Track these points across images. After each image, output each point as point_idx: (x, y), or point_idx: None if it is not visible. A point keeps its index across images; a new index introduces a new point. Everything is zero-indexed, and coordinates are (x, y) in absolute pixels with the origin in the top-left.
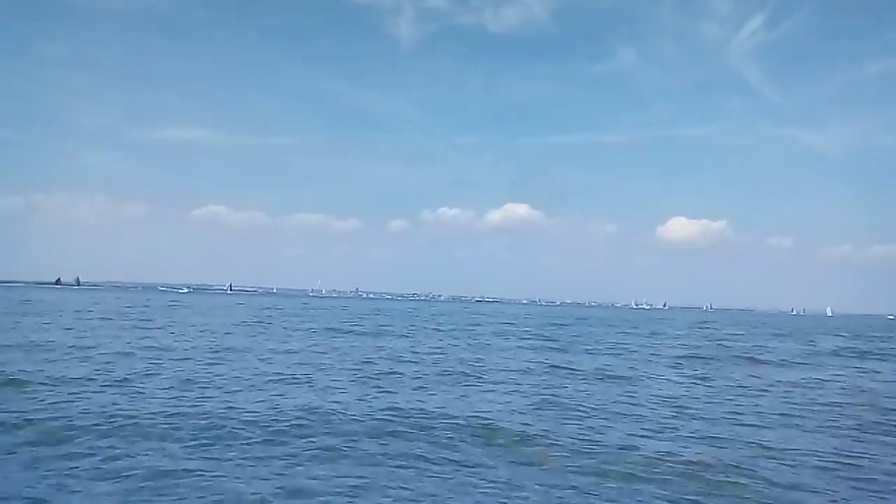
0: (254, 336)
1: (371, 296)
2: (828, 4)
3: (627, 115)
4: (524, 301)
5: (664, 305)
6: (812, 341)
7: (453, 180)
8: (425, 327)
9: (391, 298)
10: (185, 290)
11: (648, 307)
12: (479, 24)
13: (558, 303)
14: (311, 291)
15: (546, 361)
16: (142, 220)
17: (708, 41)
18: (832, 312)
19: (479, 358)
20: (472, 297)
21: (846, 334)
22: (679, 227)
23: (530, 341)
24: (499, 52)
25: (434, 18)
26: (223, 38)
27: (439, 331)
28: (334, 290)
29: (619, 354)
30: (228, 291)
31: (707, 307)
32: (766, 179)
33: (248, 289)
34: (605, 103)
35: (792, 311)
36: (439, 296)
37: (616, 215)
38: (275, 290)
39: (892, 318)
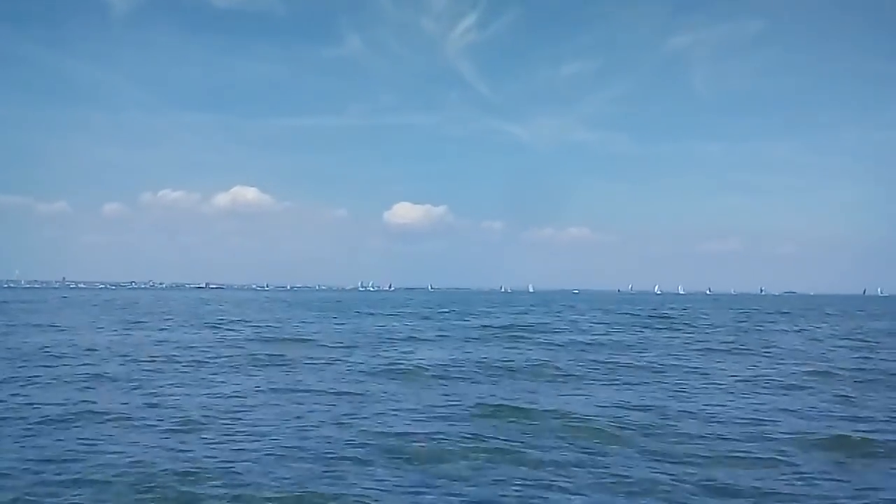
0: None
1: (81, 285)
2: (532, 9)
3: (356, 102)
4: (254, 286)
5: (389, 287)
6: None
7: (176, 161)
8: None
9: (104, 287)
10: None
11: (375, 289)
12: None
13: (289, 287)
14: (7, 283)
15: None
16: None
17: (428, 35)
18: (533, 289)
19: None
20: (197, 284)
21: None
22: (404, 212)
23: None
24: (223, 28)
25: None
26: None
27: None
28: (36, 281)
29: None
30: None
31: (429, 287)
32: (481, 168)
33: None
34: (334, 88)
35: (501, 288)
36: (161, 284)
37: (346, 200)
38: None
39: (576, 291)
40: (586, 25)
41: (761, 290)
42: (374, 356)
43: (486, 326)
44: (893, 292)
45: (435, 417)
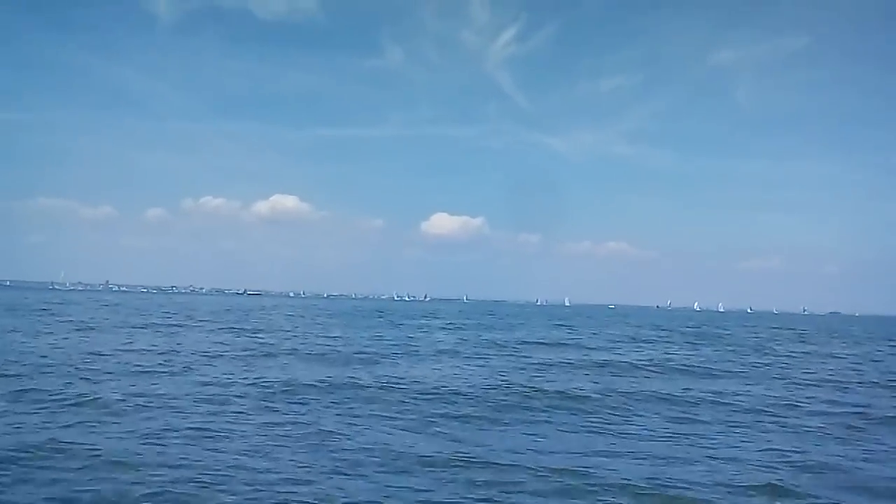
0: None
1: (123, 289)
2: (573, 22)
3: (395, 113)
4: (290, 294)
5: (425, 297)
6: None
7: (218, 169)
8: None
9: (146, 291)
10: None
11: (410, 299)
12: (245, 8)
13: (325, 295)
14: (53, 284)
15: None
16: None
17: (468, 47)
18: (569, 302)
19: None
20: (236, 290)
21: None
22: (441, 223)
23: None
24: (266, 38)
25: None
26: None
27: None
28: (80, 283)
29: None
30: None
31: (464, 298)
32: (519, 180)
33: None
34: (374, 99)
35: (536, 301)
36: (201, 288)
37: (383, 210)
38: (8, 283)
39: (612, 307)
40: (628, 39)
41: (804, 310)
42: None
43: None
44: None
45: None
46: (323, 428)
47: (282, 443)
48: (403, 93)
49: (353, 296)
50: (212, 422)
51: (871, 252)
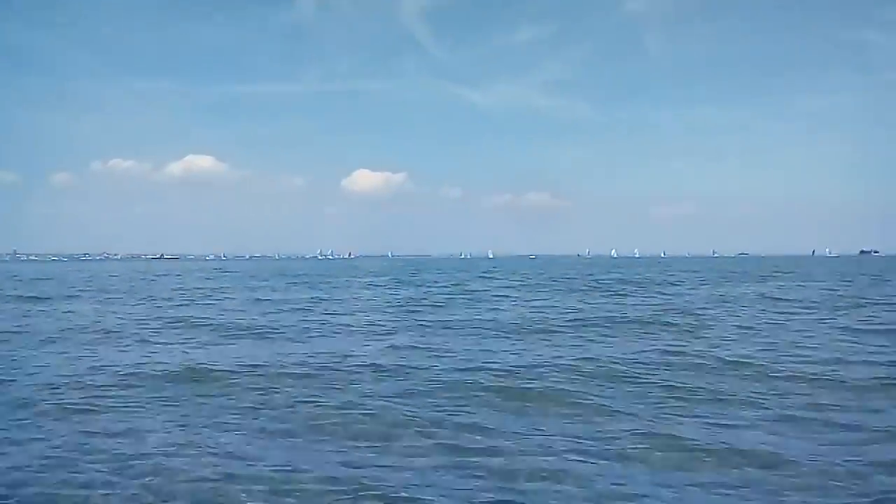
0: None
1: (33, 258)
2: None
3: (311, 68)
4: (210, 256)
5: (349, 255)
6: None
7: (126, 130)
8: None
9: (56, 259)
10: None
11: (335, 257)
12: None
13: (247, 256)
14: None
15: None
16: None
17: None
18: (493, 255)
19: None
20: (152, 255)
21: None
22: (363, 179)
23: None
24: None
25: None
26: None
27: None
28: None
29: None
30: None
31: (389, 255)
32: (439, 134)
33: None
34: (289, 54)
35: (461, 255)
36: (115, 255)
37: (303, 168)
38: None
39: (533, 257)
40: None
41: (714, 253)
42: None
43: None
44: (843, 252)
45: None
46: None
47: None
48: (318, 47)
49: (277, 256)
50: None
51: (778, 195)
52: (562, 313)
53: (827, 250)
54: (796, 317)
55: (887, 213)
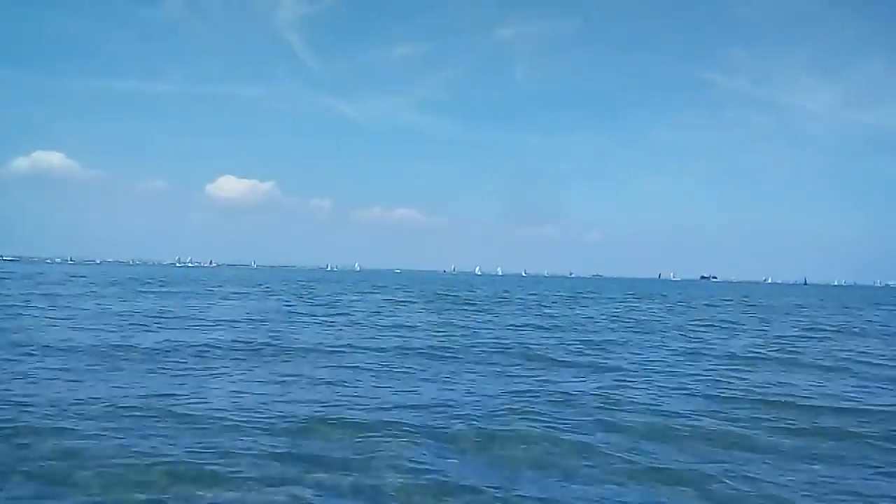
0: None
1: None
2: None
3: (176, 67)
4: (57, 260)
5: (210, 263)
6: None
7: None
8: None
9: None
10: None
11: (194, 265)
12: None
13: (98, 261)
14: None
15: None
16: None
17: (255, 3)
18: (360, 267)
19: None
20: None
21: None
22: (228, 186)
23: None
24: None
25: None
26: None
27: None
28: None
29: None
30: None
31: (252, 264)
32: (310, 145)
33: None
34: (151, 51)
35: (327, 267)
36: None
37: (164, 171)
38: None
39: (397, 271)
40: (418, 8)
41: (570, 273)
42: None
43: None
44: (685, 277)
45: None
46: None
47: None
48: (184, 47)
49: (131, 262)
50: None
51: (629, 221)
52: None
53: (671, 274)
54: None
55: (726, 243)
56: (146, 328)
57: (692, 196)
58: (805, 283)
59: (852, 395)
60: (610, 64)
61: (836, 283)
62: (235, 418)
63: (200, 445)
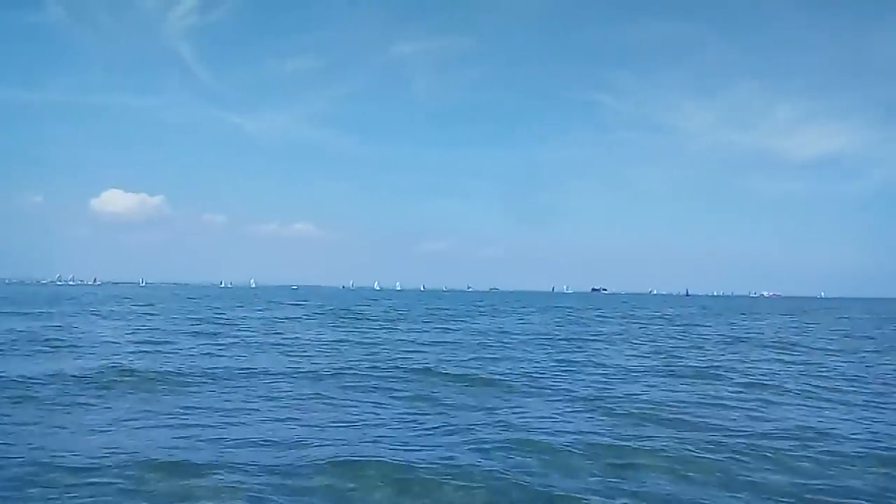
0: None
1: None
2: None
3: (57, 76)
4: None
5: (94, 281)
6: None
7: None
8: None
9: None
10: None
11: (76, 283)
12: None
13: None
14: None
15: None
16: None
17: (143, 11)
18: (255, 284)
19: None
20: None
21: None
22: (115, 200)
23: None
24: None
25: None
26: None
27: None
28: None
29: None
30: None
31: (141, 282)
32: (203, 158)
33: None
34: (30, 58)
35: (220, 283)
36: None
37: (43, 184)
38: None
39: (295, 287)
40: (313, 22)
41: (468, 287)
42: None
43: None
44: (577, 289)
45: None
46: None
47: None
48: (68, 55)
49: (6, 281)
50: None
51: (523, 236)
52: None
53: (565, 287)
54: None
55: (615, 257)
56: None
57: (582, 212)
58: (687, 294)
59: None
60: (505, 82)
61: (714, 294)
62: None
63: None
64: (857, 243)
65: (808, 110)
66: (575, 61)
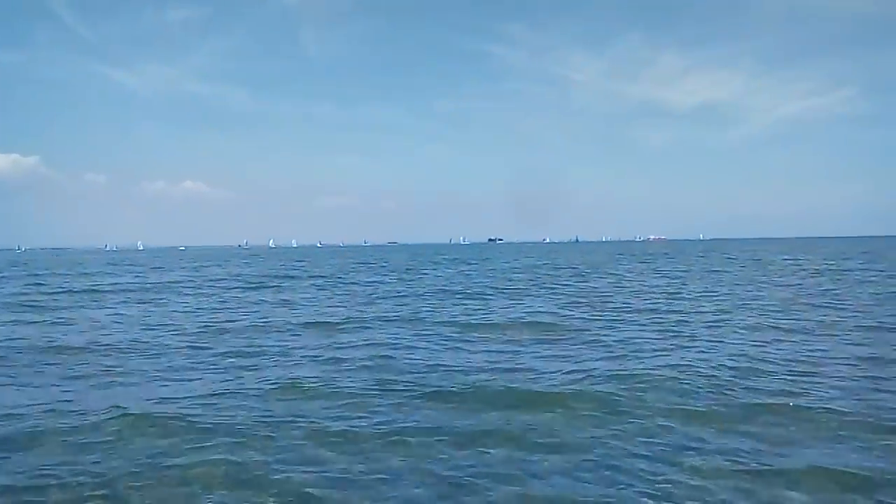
0: None
1: None
2: None
3: None
4: None
5: None
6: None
7: None
8: None
9: None
10: None
11: None
12: None
13: None
14: None
15: None
16: None
17: None
18: (143, 246)
19: None
20: None
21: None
22: None
23: None
24: None
25: None
26: None
27: None
28: None
29: None
30: None
31: (18, 248)
32: (82, 115)
33: None
34: None
35: (105, 247)
36: None
37: None
38: None
39: (182, 248)
40: None
41: (365, 242)
42: None
43: None
44: (475, 240)
45: None
46: None
47: None
48: None
49: None
50: None
51: (422, 189)
52: None
53: (462, 238)
54: None
55: (510, 208)
56: None
57: (476, 163)
58: (577, 241)
59: None
60: (398, 35)
61: (603, 240)
62: None
63: None
64: (735, 188)
65: (691, 61)
66: (469, 13)
